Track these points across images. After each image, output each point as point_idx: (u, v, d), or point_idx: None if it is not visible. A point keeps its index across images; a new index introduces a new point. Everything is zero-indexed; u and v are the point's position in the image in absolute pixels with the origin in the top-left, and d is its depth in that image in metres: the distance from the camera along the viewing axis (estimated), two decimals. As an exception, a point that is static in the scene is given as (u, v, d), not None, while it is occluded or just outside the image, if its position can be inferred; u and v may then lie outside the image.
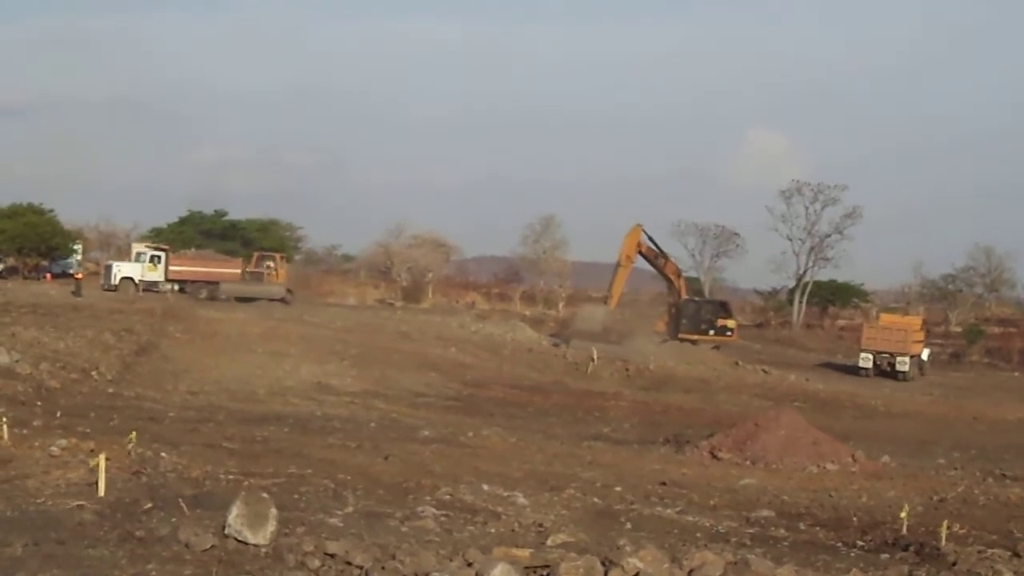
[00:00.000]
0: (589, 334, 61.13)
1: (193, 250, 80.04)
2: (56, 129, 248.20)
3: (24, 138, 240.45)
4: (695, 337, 69.45)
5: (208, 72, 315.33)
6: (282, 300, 70.71)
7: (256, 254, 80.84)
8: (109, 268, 73.69)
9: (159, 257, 73.46)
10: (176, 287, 71.71)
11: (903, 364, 63.39)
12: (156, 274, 72.36)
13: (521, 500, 18.42)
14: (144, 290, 69.82)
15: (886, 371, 63.72)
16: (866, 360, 64.66)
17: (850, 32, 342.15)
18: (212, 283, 72.99)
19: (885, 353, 64.18)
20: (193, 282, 72.63)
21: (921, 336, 67.42)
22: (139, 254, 75.09)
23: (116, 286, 69.83)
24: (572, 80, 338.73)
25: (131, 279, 71.62)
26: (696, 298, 76.37)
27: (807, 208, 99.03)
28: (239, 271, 75.69)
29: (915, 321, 70.95)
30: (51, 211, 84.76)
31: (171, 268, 72.78)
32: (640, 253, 70.57)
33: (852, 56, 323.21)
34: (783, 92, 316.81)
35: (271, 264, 78.17)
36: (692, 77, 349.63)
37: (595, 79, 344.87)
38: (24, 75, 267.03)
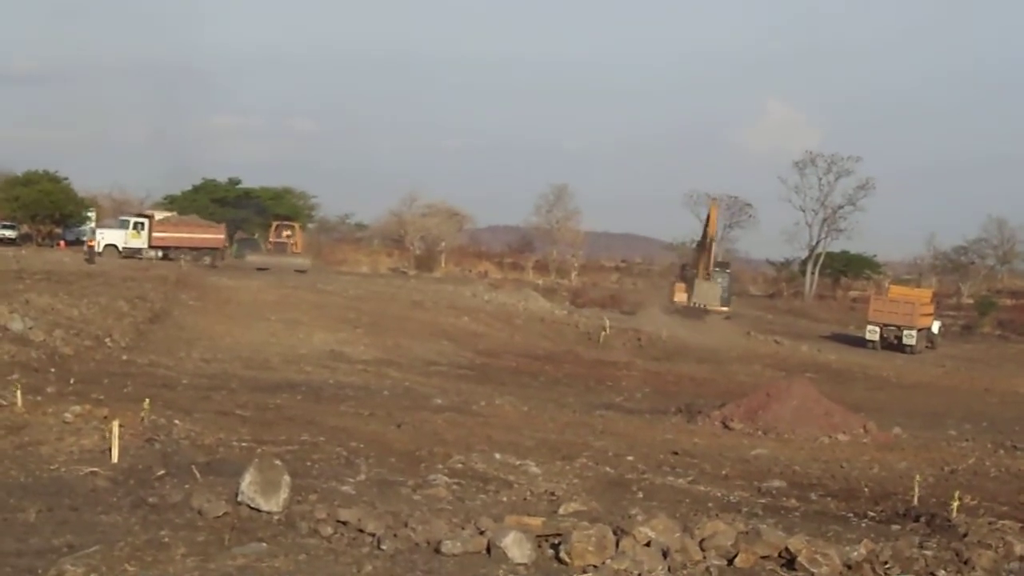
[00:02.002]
0: (708, 309, 66.26)
1: (176, 216, 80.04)
2: (71, 97, 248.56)
3: (40, 106, 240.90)
4: (726, 309, 69.91)
5: (220, 38, 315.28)
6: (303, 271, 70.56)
7: (275, 223, 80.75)
8: (93, 234, 73.77)
9: (142, 224, 73.73)
10: (159, 253, 71.96)
11: (910, 337, 62.51)
12: (140, 240, 72.79)
13: (533, 469, 18.44)
14: (126, 256, 70.05)
15: (893, 344, 62.97)
16: (873, 333, 63.76)
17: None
18: (195, 249, 73.19)
19: (892, 326, 63.36)
20: (177, 248, 72.86)
21: (930, 309, 66.45)
22: (122, 220, 75.43)
23: (100, 252, 69.88)
24: (587, 50, 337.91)
25: (115, 246, 71.99)
26: (728, 270, 76.32)
27: (820, 179, 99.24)
28: (222, 236, 75.95)
29: (924, 294, 70.16)
30: (65, 179, 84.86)
31: (154, 235, 73.10)
32: None
33: (870, 24, 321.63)
34: (798, 61, 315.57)
35: (288, 233, 78.14)
36: (708, 47, 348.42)
37: (609, 49, 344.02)
38: (39, 43, 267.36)
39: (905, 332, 62.76)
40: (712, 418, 27.75)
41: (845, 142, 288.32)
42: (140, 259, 69.45)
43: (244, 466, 12.37)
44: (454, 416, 25.16)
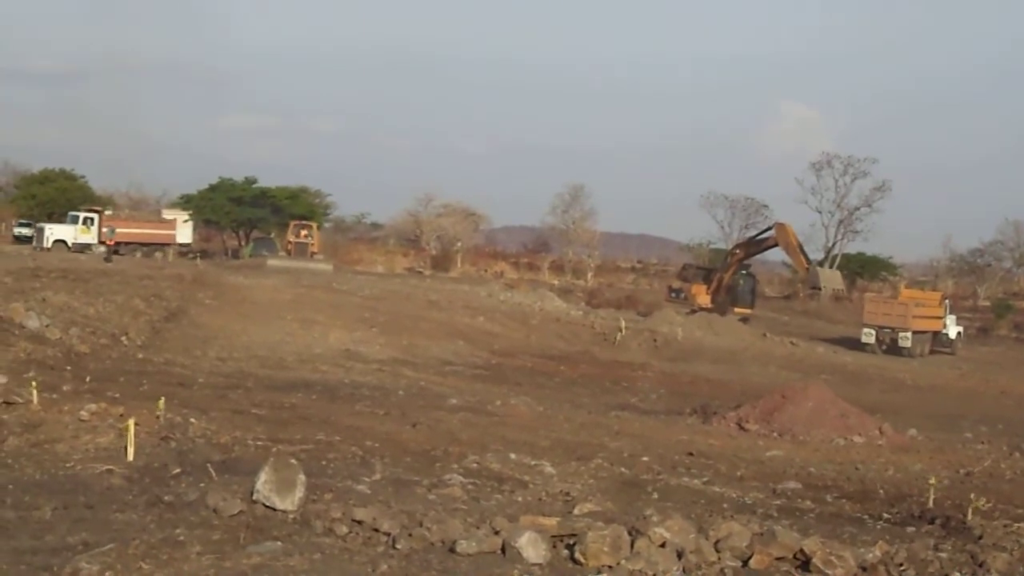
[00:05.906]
0: (836, 292, 74.55)
1: (127, 211, 79.87)
2: (89, 96, 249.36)
3: (58, 105, 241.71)
4: (750, 311, 69.62)
5: (237, 39, 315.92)
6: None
7: (292, 223, 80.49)
8: (42, 230, 73.40)
9: (92, 219, 73.54)
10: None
11: (905, 340, 61.13)
12: (89, 236, 72.58)
13: (548, 469, 18.44)
14: (76, 251, 69.05)
15: (890, 347, 61.68)
16: (868, 335, 62.63)
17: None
18: (147, 244, 73.15)
19: (887, 328, 62.13)
20: (127, 244, 72.72)
21: (936, 312, 64.76)
22: (72, 216, 75.12)
23: (49, 248, 69.58)
24: (603, 49, 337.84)
25: (64, 241, 71.78)
26: (753, 273, 75.97)
27: (837, 181, 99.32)
28: (174, 232, 75.89)
29: (930, 296, 68.94)
30: (82, 177, 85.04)
31: (104, 230, 72.79)
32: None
33: (885, 25, 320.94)
34: (814, 64, 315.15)
35: (306, 232, 77.81)
36: (725, 51, 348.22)
37: (625, 53, 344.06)
38: (57, 42, 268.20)
39: (900, 335, 61.43)
40: (727, 419, 27.69)
41: (861, 144, 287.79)
42: (91, 253, 68.50)
43: (259, 465, 12.39)
44: (469, 416, 25.15)
